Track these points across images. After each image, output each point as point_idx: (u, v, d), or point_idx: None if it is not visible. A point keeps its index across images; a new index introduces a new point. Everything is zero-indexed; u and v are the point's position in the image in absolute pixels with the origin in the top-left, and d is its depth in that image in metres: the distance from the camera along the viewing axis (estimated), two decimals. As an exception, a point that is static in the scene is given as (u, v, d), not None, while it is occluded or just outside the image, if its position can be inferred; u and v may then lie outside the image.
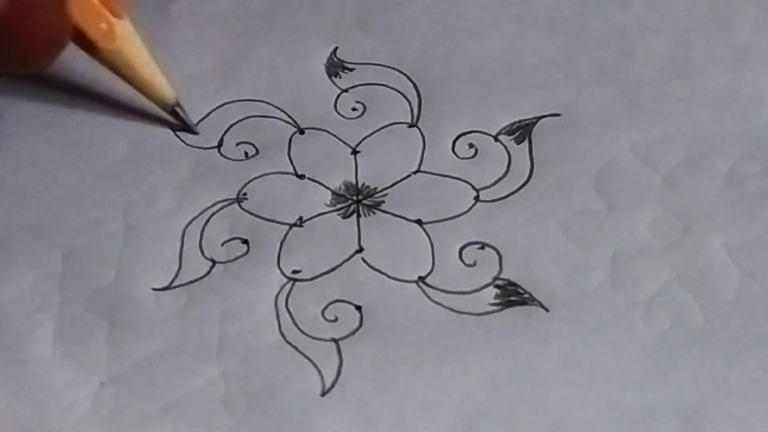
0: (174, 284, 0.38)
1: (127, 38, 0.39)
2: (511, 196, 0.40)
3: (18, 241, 0.39)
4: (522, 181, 0.40)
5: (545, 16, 0.45)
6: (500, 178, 0.40)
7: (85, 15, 0.38)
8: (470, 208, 0.39)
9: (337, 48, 0.45)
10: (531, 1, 0.45)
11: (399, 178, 0.40)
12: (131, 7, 0.40)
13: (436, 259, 0.38)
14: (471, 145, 0.41)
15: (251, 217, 0.40)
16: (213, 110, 0.43)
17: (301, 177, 0.41)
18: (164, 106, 0.41)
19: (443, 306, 0.37)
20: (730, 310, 0.36)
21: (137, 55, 0.40)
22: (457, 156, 0.41)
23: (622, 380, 0.35)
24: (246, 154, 0.42)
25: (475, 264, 0.38)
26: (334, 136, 0.42)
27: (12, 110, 0.43)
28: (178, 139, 0.42)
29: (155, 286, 0.38)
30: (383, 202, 0.40)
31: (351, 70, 0.44)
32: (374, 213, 0.39)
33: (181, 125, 0.42)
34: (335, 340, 0.36)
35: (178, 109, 0.41)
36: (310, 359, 0.36)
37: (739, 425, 0.34)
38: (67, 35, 0.37)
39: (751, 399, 0.35)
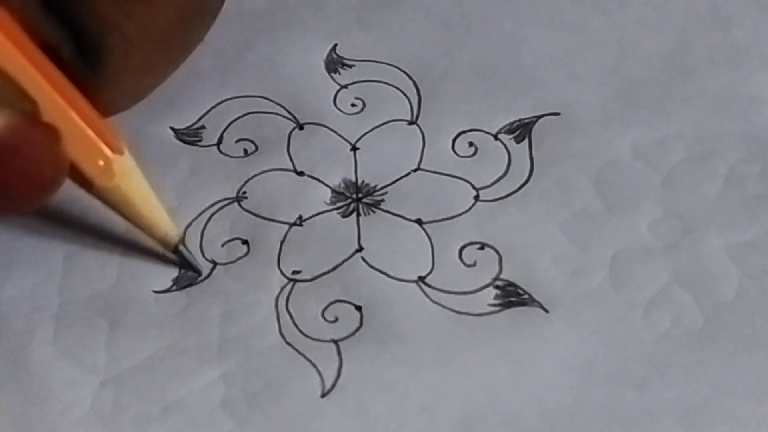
0: (175, 287, 0.38)
1: (126, 175, 0.36)
2: (511, 196, 0.40)
3: (19, 242, 0.39)
4: (522, 181, 0.40)
5: (545, 15, 0.45)
6: (500, 178, 0.40)
7: (80, 151, 0.34)
8: (470, 208, 0.39)
9: (336, 44, 0.44)
10: (531, 1, 0.45)
11: (399, 176, 0.40)
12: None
13: (435, 259, 0.38)
14: (471, 144, 0.41)
15: (251, 216, 0.40)
16: (213, 107, 0.43)
17: (301, 174, 0.41)
18: (166, 245, 0.38)
19: (443, 306, 0.37)
20: (729, 311, 0.37)
21: (137, 193, 0.37)
22: (457, 154, 0.41)
23: (622, 380, 0.35)
24: (245, 151, 0.41)
25: (474, 264, 0.38)
26: (334, 131, 0.42)
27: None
28: (177, 139, 0.42)
29: (156, 289, 0.38)
30: (383, 200, 0.40)
31: (350, 66, 0.44)
32: (374, 212, 0.39)
33: (185, 264, 0.38)
34: (335, 341, 0.36)
35: (181, 248, 0.38)
36: (310, 360, 0.36)
37: (739, 425, 0.34)
38: (62, 174, 0.34)
39: (751, 399, 0.35)
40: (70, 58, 0.35)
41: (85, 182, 0.35)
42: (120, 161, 0.35)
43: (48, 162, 0.32)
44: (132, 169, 0.36)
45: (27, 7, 0.34)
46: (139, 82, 0.37)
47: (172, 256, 0.38)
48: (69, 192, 0.35)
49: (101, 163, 0.35)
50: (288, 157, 0.41)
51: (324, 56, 0.44)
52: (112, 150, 0.35)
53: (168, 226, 0.38)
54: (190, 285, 0.37)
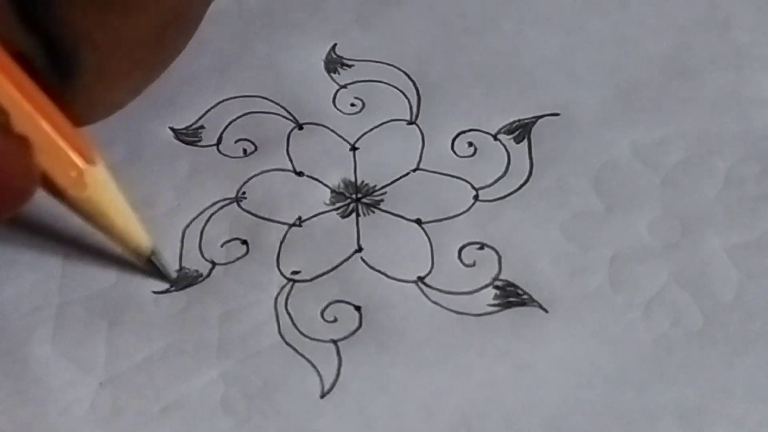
0: (174, 287, 0.38)
1: (98, 186, 0.35)
2: (511, 196, 0.40)
3: (18, 242, 0.39)
4: (521, 181, 0.40)
5: (545, 15, 0.45)
6: (499, 178, 0.40)
7: (52, 162, 0.34)
8: (469, 208, 0.39)
9: (336, 44, 0.44)
10: (531, 1, 0.45)
11: (398, 176, 0.40)
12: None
13: (435, 259, 0.38)
14: (470, 144, 0.41)
15: (250, 216, 0.40)
16: (212, 107, 0.43)
17: (300, 174, 0.41)
18: (138, 256, 0.38)
19: (442, 307, 0.37)
20: (729, 311, 0.37)
21: (110, 204, 0.36)
22: (456, 154, 0.41)
23: (622, 381, 0.35)
24: (245, 151, 0.41)
25: (474, 264, 0.38)
26: (333, 131, 0.42)
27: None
28: (176, 139, 0.42)
29: (155, 289, 0.38)
30: (382, 200, 0.40)
31: (350, 66, 0.44)
32: (373, 212, 0.39)
33: (157, 273, 0.38)
34: (334, 342, 0.36)
35: (153, 259, 0.38)
36: (309, 360, 0.36)
37: (739, 426, 0.34)
38: (33, 185, 0.33)
39: (750, 399, 0.35)
40: (42, 67, 0.35)
41: (57, 192, 0.35)
42: (92, 172, 0.35)
43: (19, 173, 0.32)
44: (105, 179, 0.36)
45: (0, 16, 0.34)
46: (113, 93, 0.37)
47: (143, 266, 0.38)
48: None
49: (73, 174, 0.34)
50: (287, 158, 0.41)
51: (323, 56, 0.44)
52: (85, 160, 0.35)
53: (140, 238, 0.37)
54: (189, 285, 0.37)
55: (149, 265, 0.38)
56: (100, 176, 0.35)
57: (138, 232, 0.37)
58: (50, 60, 0.35)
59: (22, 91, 0.33)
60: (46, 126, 0.34)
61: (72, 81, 0.35)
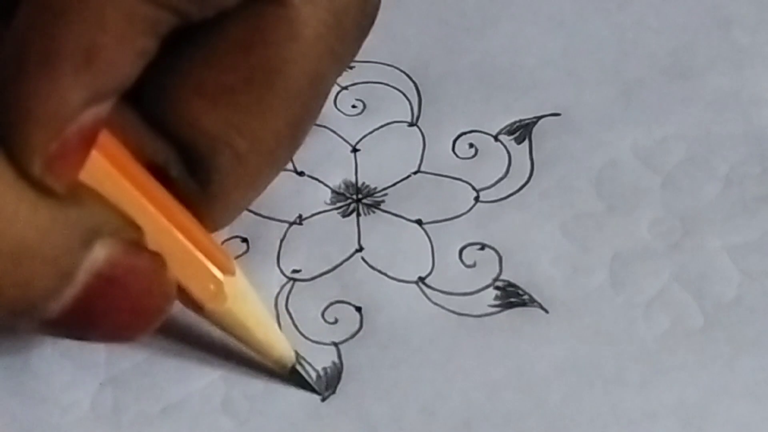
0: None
1: (238, 297, 0.34)
2: (511, 197, 0.39)
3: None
4: (522, 182, 0.40)
5: (545, 16, 0.45)
6: (500, 179, 0.40)
7: (190, 275, 0.33)
8: (470, 209, 0.39)
9: (336, 45, 0.44)
10: (531, 1, 0.45)
11: (399, 178, 0.40)
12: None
13: (435, 259, 0.38)
14: (471, 145, 0.41)
15: (251, 214, 0.40)
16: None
17: (301, 174, 0.41)
18: (282, 367, 0.36)
19: (443, 308, 0.37)
20: (730, 311, 0.37)
21: (250, 315, 0.34)
22: (457, 156, 0.41)
23: (622, 381, 0.35)
24: (246, 151, 0.41)
25: (474, 265, 0.38)
26: (334, 132, 0.42)
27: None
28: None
29: None
30: (383, 201, 0.40)
31: (351, 67, 0.44)
32: (374, 212, 0.39)
33: (302, 383, 0.36)
34: (335, 344, 0.36)
35: (299, 368, 0.36)
36: (310, 362, 0.36)
37: (739, 426, 0.34)
38: (168, 303, 0.32)
39: (751, 400, 0.35)
40: (177, 176, 0.33)
41: (195, 306, 0.34)
42: (231, 283, 0.34)
43: (154, 291, 0.31)
44: (244, 290, 0.34)
45: (130, 126, 0.33)
46: (249, 195, 0.35)
47: (287, 376, 0.36)
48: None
49: (212, 287, 0.33)
50: (288, 158, 0.41)
51: (324, 57, 0.44)
52: (223, 271, 0.33)
53: (283, 348, 0.36)
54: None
55: (294, 375, 0.36)
56: (239, 287, 0.34)
57: (280, 342, 0.36)
58: (185, 168, 0.33)
59: (156, 204, 0.32)
60: (182, 238, 0.33)
61: (209, 188, 0.33)
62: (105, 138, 0.31)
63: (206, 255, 0.33)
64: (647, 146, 0.40)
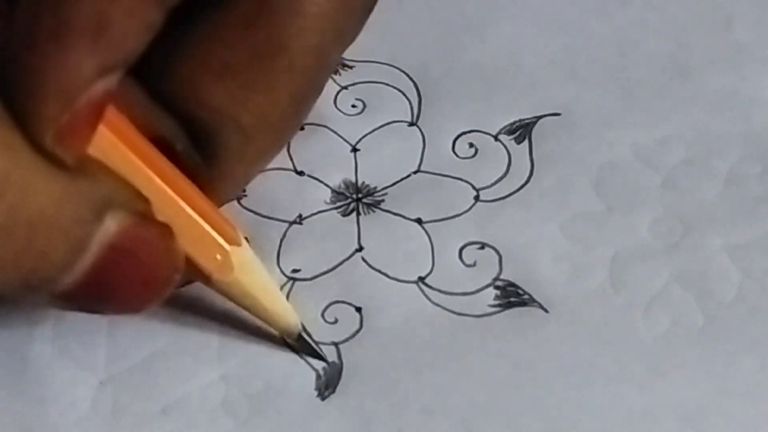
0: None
1: (245, 267, 0.34)
2: (511, 197, 0.40)
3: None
4: (522, 182, 0.40)
5: (545, 16, 0.45)
6: (500, 178, 0.40)
7: (197, 247, 0.33)
8: (470, 208, 0.39)
9: (337, 45, 0.44)
10: (531, 1, 0.45)
11: (399, 178, 0.40)
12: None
13: (435, 259, 0.38)
14: (471, 145, 0.41)
15: (251, 214, 0.40)
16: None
17: (301, 174, 0.41)
18: (289, 334, 0.36)
19: (443, 308, 0.37)
20: (730, 311, 0.37)
21: (256, 284, 0.35)
22: (457, 155, 0.41)
23: (622, 380, 0.35)
24: (246, 151, 0.41)
25: (474, 264, 0.38)
26: (334, 132, 0.42)
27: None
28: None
29: None
30: (383, 201, 0.40)
31: (351, 67, 0.44)
32: (374, 212, 0.39)
33: (308, 350, 0.36)
34: (336, 344, 0.36)
35: (305, 336, 0.36)
36: (309, 363, 0.36)
37: (740, 426, 0.34)
38: (177, 273, 0.32)
39: (751, 400, 0.35)
40: (183, 151, 0.34)
41: (203, 277, 0.34)
42: (238, 253, 0.34)
43: (163, 262, 0.31)
44: (250, 260, 0.35)
45: (136, 101, 0.33)
46: (253, 170, 0.36)
47: (293, 343, 0.36)
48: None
49: (218, 257, 0.34)
50: (288, 157, 0.41)
51: (324, 57, 0.44)
52: (229, 242, 0.34)
53: (289, 316, 0.36)
54: (189, 283, 0.37)
55: (300, 343, 0.36)
56: (245, 257, 0.34)
57: (287, 311, 0.36)
58: (191, 143, 0.34)
59: (162, 177, 0.32)
60: (189, 210, 0.33)
61: (214, 162, 0.34)
62: (112, 113, 0.31)
63: (213, 226, 0.34)
64: (647, 146, 0.40)
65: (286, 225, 0.39)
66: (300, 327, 0.36)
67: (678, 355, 0.36)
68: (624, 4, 0.45)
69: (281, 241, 0.39)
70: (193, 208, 0.33)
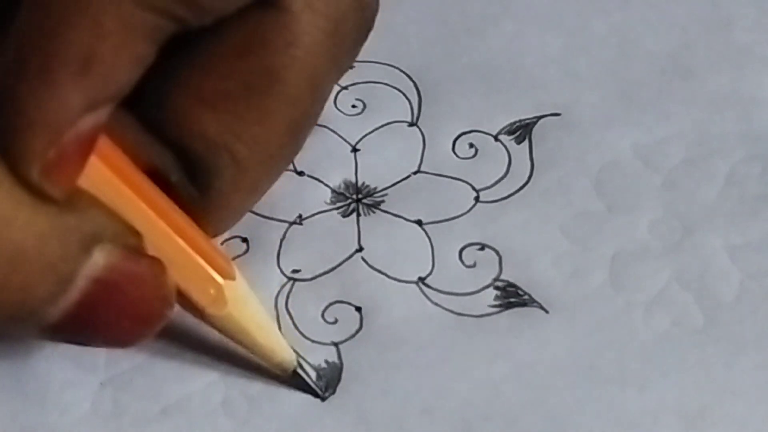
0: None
1: (238, 301, 0.34)
2: (511, 197, 0.40)
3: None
4: (522, 182, 0.40)
5: (546, 15, 0.45)
6: (500, 179, 0.40)
7: (190, 280, 0.32)
8: (470, 209, 0.39)
9: (336, 45, 0.44)
10: (531, 1, 0.45)
11: (399, 179, 0.40)
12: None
13: (435, 259, 0.38)
14: (471, 145, 0.41)
15: (251, 214, 0.39)
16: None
17: (301, 174, 0.41)
18: (283, 371, 0.36)
19: (443, 308, 0.37)
20: (730, 311, 0.37)
21: (251, 319, 0.34)
22: (457, 156, 0.41)
23: (622, 381, 0.35)
24: (246, 151, 0.41)
25: (474, 265, 0.38)
26: (334, 132, 0.42)
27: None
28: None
29: None
30: (383, 201, 0.40)
31: (351, 67, 0.44)
32: (374, 212, 0.39)
33: (303, 386, 0.36)
34: (336, 344, 0.36)
35: (300, 372, 0.36)
36: (309, 363, 0.36)
37: (739, 426, 0.34)
38: (168, 308, 0.31)
39: (751, 400, 0.35)
40: (177, 181, 0.33)
41: (196, 311, 0.33)
42: (231, 287, 0.34)
43: (153, 297, 0.31)
44: (244, 294, 0.34)
45: (130, 132, 0.32)
46: (250, 200, 0.35)
47: (288, 379, 0.36)
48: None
49: (212, 291, 0.33)
50: (288, 157, 0.41)
51: (324, 57, 0.44)
52: (223, 276, 0.33)
53: (284, 351, 0.35)
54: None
55: (295, 379, 0.36)
56: (239, 291, 0.34)
57: (281, 346, 0.35)
58: (185, 174, 0.33)
59: (155, 209, 0.32)
60: (182, 243, 0.33)
61: (208, 194, 0.33)
62: (104, 143, 0.31)
63: (206, 260, 0.33)
64: (647, 146, 0.40)
65: (286, 225, 0.39)
66: (295, 363, 0.36)
67: (678, 355, 0.36)
68: (624, 4, 0.45)
69: (281, 241, 0.39)
70: (187, 241, 0.33)
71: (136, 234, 0.31)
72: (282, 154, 0.34)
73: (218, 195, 0.33)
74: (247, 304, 0.34)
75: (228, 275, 0.33)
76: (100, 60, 0.28)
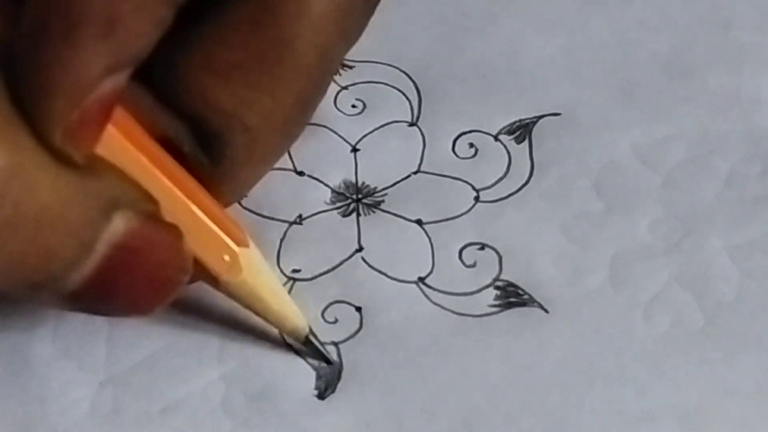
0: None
1: (252, 268, 0.34)
2: (511, 197, 0.40)
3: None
4: (522, 182, 0.40)
5: (546, 15, 0.45)
6: (500, 179, 0.40)
7: (205, 248, 0.33)
8: (470, 209, 0.39)
9: (337, 45, 0.44)
10: (531, 1, 0.45)
11: (399, 179, 0.40)
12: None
13: (435, 259, 0.38)
14: (471, 145, 0.41)
15: (250, 214, 0.40)
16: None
17: (301, 174, 0.41)
18: (296, 337, 0.36)
19: (443, 308, 0.37)
20: (730, 311, 0.37)
21: (264, 286, 0.35)
22: (457, 156, 0.41)
23: (622, 380, 0.35)
24: (246, 151, 0.41)
25: (474, 265, 0.38)
26: (334, 132, 0.42)
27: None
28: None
29: None
30: (383, 201, 0.40)
31: (351, 67, 0.44)
32: (374, 212, 0.39)
33: (315, 354, 0.36)
34: (336, 344, 0.36)
35: (312, 339, 0.36)
36: (309, 363, 0.36)
37: (739, 426, 0.34)
38: (185, 274, 0.32)
39: (751, 400, 0.35)
40: (190, 151, 0.34)
41: (210, 278, 0.34)
42: (246, 254, 0.34)
43: (171, 263, 0.31)
44: (259, 261, 0.35)
45: (143, 103, 0.33)
46: (261, 170, 0.36)
47: (300, 346, 0.36)
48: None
49: (227, 258, 0.34)
50: (288, 157, 0.41)
51: (324, 57, 0.44)
52: (237, 243, 0.34)
53: (297, 318, 0.36)
54: (193, 281, 0.37)
55: (307, 345, 0.36)
56: (253, 258, 0.34)
57: (294, 313, 0.36)
58: (197, 144, 0.34)
59: (170, 177, 0.32)
60: (197, 211, 0.33)
61: (221, 163, 0.34)
62: (119, 113, 0.31)
63: (220, 227, 0.34)
64: (647, 146, 0.40)
65: (286, 225, 0.39)
66: (308, 329, 0.36)
67: (678, 355, 0.36)
68: (624, 3, 0.45)
69: (281, 241, 0.39)
70: (201, 209, 0.33)
71: (153, 201, 0.31)
72: (292, 123, 0.35)
73: (230, 164, 0.34)
74: (261, 271, 0.35)
75: (242, 243, 0.34)
76: (123, 22, 0.28)
